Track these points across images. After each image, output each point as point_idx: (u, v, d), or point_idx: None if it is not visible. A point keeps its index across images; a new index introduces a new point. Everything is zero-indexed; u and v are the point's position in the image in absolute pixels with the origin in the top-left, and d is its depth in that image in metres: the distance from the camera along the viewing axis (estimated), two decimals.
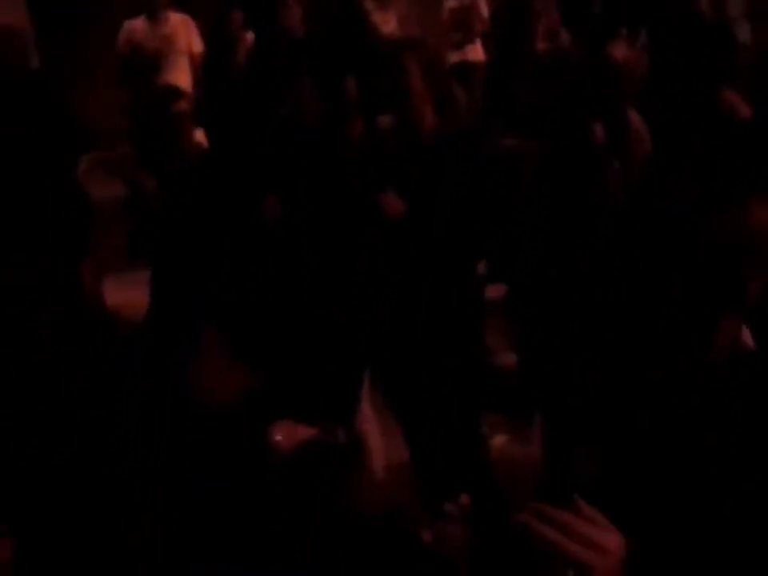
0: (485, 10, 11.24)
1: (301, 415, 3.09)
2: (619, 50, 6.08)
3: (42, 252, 3.45)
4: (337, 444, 3.02)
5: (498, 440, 3.80)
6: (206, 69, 8.07)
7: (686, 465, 2.07)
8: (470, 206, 4.87)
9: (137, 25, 8.66)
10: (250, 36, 7.68)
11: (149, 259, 5.07)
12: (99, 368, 2.73)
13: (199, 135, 7.72)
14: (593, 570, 1.67)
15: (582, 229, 4.79)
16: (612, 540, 1.75)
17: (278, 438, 2.89)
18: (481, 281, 5.16)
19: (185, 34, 8.72)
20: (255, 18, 7.65)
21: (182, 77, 8.49)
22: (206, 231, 4.83)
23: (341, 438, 3.00)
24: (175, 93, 7.36)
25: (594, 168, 5.02)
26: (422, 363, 4.69)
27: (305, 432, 2.99)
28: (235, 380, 2.75)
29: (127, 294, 5.04)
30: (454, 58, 11.24)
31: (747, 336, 2.32)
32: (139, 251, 7.66)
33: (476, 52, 11.12)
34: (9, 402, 2.45)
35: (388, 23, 10.78)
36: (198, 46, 8.73)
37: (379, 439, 3.40)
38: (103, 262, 6.03)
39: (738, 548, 1.96)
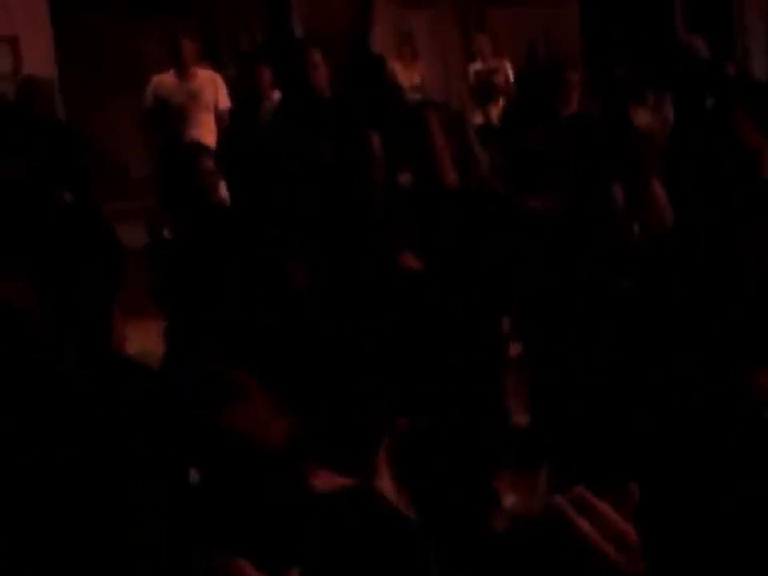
0: (510, 74, 11.46)
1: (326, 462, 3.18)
2: (641, 116, 6.17)
3: (72, 289, 3.57)
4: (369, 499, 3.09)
5: (509, 500, 3.80)
6: (231, 123, 8.21)
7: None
8: (492, 264, 4.93)
9: (165, 79, 8.77)
10: (276, 94, 7.83)
11: (166, 309, 5.19)
12: (123, 407, 2.81)
13: (222, 189, 7.87)
14: (619, 570, 1.61)
15: (602, 289, 4.87)
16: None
17: (316, 482, 2.90)
18: (504, 338, 5.23)
19: (212, 90, 8.82)
20: (282, 76, 7.81)
21: (207, 133, 8.59)
22: (232, 281, 4.95)
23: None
24: (201, 149, 7.51)
25: (613, 231, 5.09)
26: (441, 419, 4.78)
27: (338, 480, 3.07)
28: (277, 426, 2.78)
29: (146, 341, 5.16)
30: (478, 119, 11.48)
31: None
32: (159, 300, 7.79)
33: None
34: (26, 428, 2.54)
35: (413, 83, 11.01)
36: (224, 102, 8.84)
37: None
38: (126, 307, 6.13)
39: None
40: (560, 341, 4.85)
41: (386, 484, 3.20)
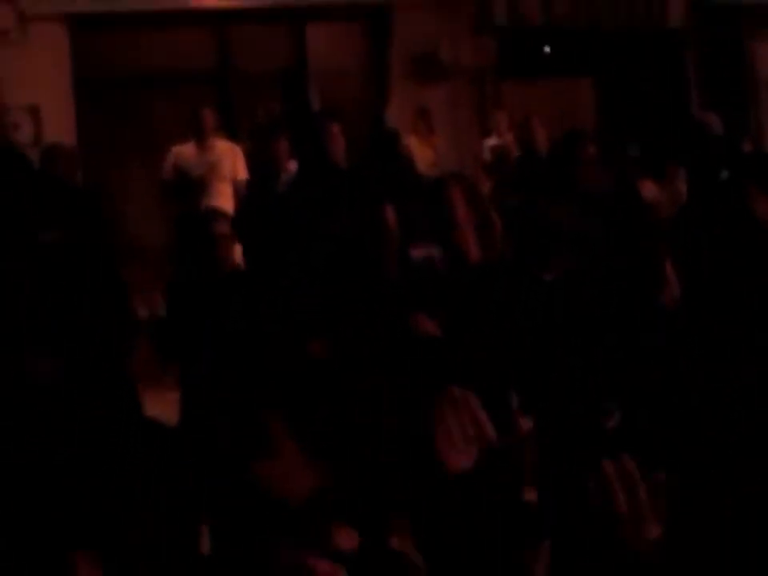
0: None
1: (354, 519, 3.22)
2: (649, 189, 6.27)
3: (86, 352, 3.67)
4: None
5: None
6: (248, 192, 8.36)
7: None
8: (509, 335, 4.98)
9: (184, 150, 8.98)
10: (293, 165, 7.97)
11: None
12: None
13: (237, 255, 8.02)
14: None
15: (614, 364, 4.91)
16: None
17: (340, 541, 2.93)
18: (513, 413, 5.17)
19: (231, 161, 9.03)
20: (300, 147, 7.95)
21: (225, 203, 8.73)
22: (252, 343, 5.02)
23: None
24: (218, 215, 7.66)
25: (627, 304, 5.16)
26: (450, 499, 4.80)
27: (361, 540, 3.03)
28: (306, 478, 2.82)
29: (164, 408, 5.21)
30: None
31: None
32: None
33: None
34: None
35: (429, 158, 11.14)
36: (242, 173, 9.03)
37: None
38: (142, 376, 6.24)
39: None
40: (571, 415, 4.91)
41: (404, 544, 3.24)
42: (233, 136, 9.92)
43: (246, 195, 8.49)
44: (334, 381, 4.34)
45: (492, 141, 11.93)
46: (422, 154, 11.18)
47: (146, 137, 11.55)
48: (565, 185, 6.89)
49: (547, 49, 14.50)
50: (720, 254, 5.44)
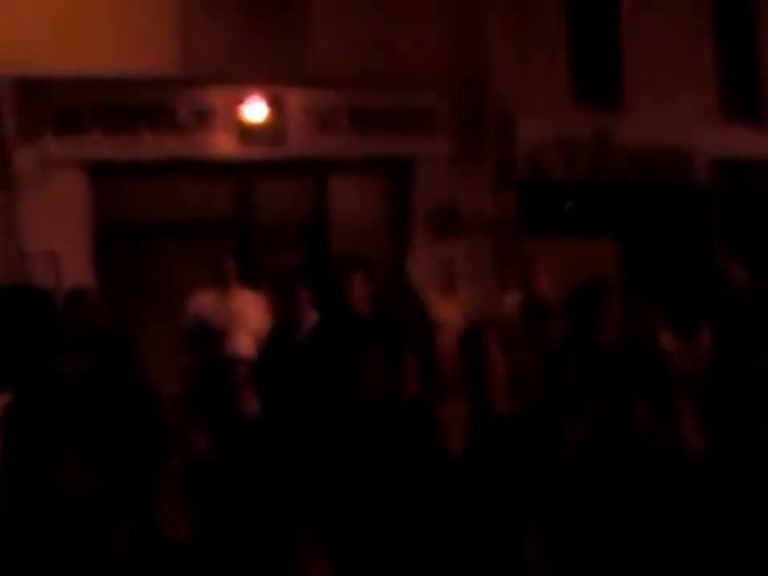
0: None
1: None
2: (666, 339, 6.36)
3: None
4: None
5: None
6: (268, 340, 8.50)
7: None
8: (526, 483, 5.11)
9: (206, 299, 9.18)
10: (314, 314, 8.11)
11: None
12: None
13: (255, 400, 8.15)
14: None
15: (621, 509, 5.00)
16: None
17: None
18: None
19: (253, 311, 9.24)
20: (321, 295, 8.10)
21: (244, 350, 8.87)
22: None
23: None
24: (237, 361, 7.83)
25: (636, 451, 5.23)
26: None
27: None
28: None
29: None
30: None
31: None
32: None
33: None
34: None
35: (451, 312, 11.23)
36: (264, 323, 9.12)
37: None
38: None
39: None
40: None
41: None
42: (252, 287, 10.05)
43: (266, 343, 8.61)
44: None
45: (513, 295, 12.15)
46: (446, 308, 11.25)
47: (164, 287, 11.72)
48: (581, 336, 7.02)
49: (570, 204, 14.76)
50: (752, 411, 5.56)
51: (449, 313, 11.20)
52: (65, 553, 3.21)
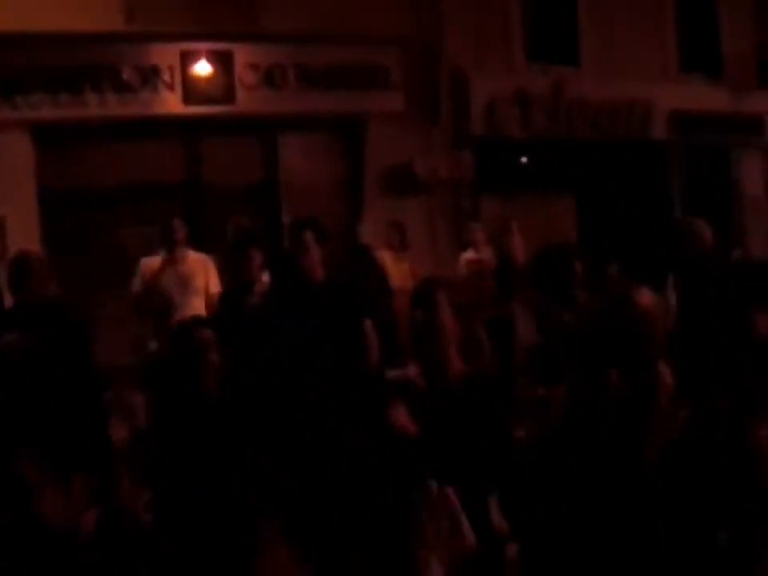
0: None
1: None
2: (644, 297, 6.44)
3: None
4: None
5: None
6: (220, 305, 8.55)
7: None
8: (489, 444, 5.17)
9: (154, 263, 9.14)
10: (265, 277, 8.16)
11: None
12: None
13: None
14: None
15: (604, 477, 5.03)
16: None
17: None
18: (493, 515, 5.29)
19: (203, 273, 9.21)
20: (273, 259, 8.14)
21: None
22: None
23: None
24: (198, 322, 7.90)
25: (616, 418, 5.28)
26: None
27: None
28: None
29: None
30: None
31: None
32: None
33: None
34: None
35: (403, 273, 11.32)
36: (215, 285, 9.17)
37: None
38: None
39: None
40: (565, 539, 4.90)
41: None
42: (203, 249, 10.08)
43: (218, 308, 8.65)
44: (318, 484, 4.50)
45: (468, 255, 12.23)
46: (396, 268, 11.28)
47: (114, 253, 11.76)
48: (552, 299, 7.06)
49: (524, 160, 14.87)
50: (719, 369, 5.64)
51: (400, 273, 11.28)
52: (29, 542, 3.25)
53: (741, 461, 3.19)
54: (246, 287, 7.94)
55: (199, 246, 9.95)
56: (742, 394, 4.88)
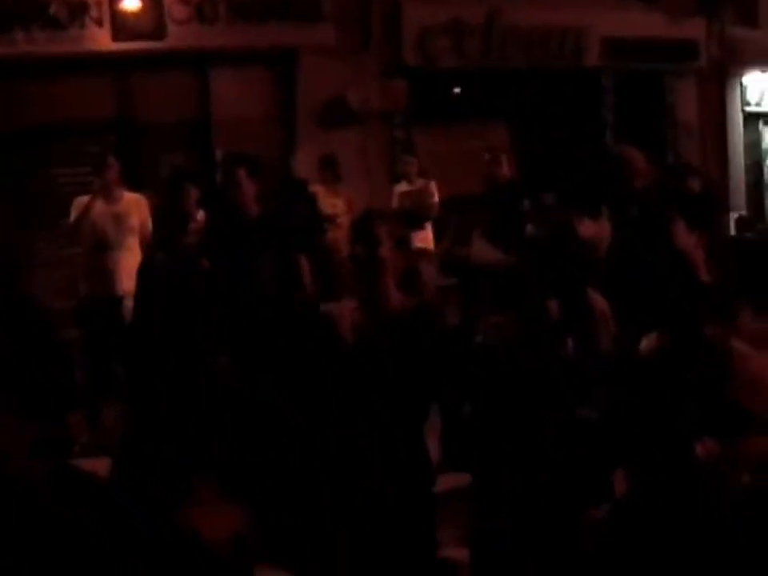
0: (435, 196, 12.15)
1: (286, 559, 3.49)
2: (587, 228, 6.62)
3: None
4: None
5: None
6: (155, 244, 8.74)
7: None
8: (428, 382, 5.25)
9: (92, 201, 9.27)
10: (201, 214, 8.37)
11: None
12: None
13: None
14: None
15: (540, 409, 5.09)
16: None
17: None
18: (432, 470, 5.40)
19: (137, 213, 9.41)
20: (207, 196, 8.35)
21: (132, 256, 9.14)
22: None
23: None
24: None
25: (551, 345, 5.42)
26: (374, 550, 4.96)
27: None
28: (226, 522, 2.97)
29: None
30: None
31: None
32: None
33: (426, 239, 11.96)
34: None
35: (337, 207, 11.55)
36: (149, 225, 9.37)
37: None
38: None
39: None
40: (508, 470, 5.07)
41: None
42: (136, 187, 10.11)
43: (152, 246, 8.85)
44: (257, 423, 4.65)
45: (402, 187, 12.51)
46: (330, 201, 11.59)
47: (48, 194, 11.80)
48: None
49: (458, 90, 15.07)
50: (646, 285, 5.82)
51: (335, 206, 11.60)
52: None
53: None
54: (182, 225, 8.13)
55: (133, 183, 10.09)
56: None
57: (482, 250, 8.98)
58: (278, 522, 4.48)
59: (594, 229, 6.54)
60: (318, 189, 11.56)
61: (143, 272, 7.85)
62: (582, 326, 5.60)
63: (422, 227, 12.06)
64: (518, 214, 9.59)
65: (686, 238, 6.04)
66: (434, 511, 5.32)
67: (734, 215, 15.94)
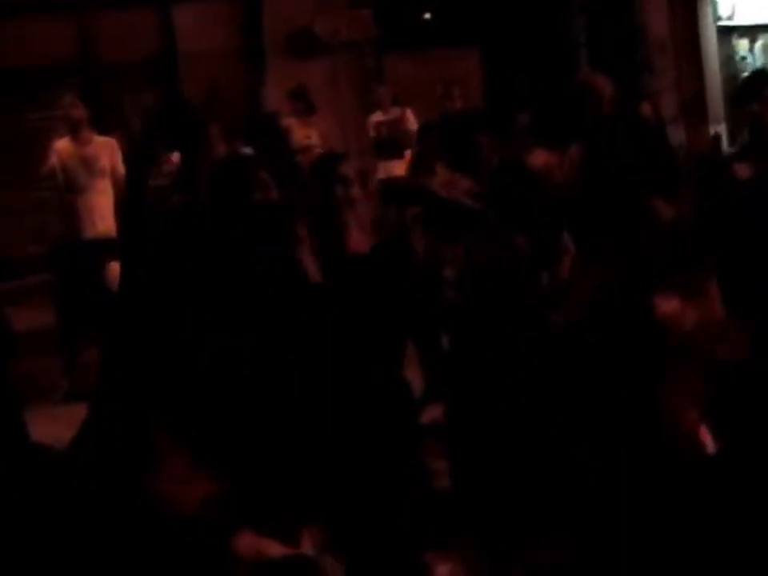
0: (413, 123, 12.06)
1: (260, 525, 3.47)
2: (539, 158, 6.65)
3: None
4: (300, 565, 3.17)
5: (442, 570, 3.87)
6: (129, 189, 8.78)
7: None
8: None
9: (62, 145, 9.27)
10: (175, 156, 8.40)
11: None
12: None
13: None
14: None
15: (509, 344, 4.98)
16: None
17: (242, 550, 3.04)
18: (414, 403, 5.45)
19: (108, 155, 9.35)
20: (177, 134, 8.36)
21: (103, 199, 9.18)
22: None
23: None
24: None
25: (520, 283, 5.54)
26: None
27: (267, 548, 3.16)
28: (198, 488, 2.94)
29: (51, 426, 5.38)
30: (380, 173, 11.97)
31: None
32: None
33: (404, 167, 11.52)
34: None
35: (310, 138, 11.55)
36: (121, 167, 9.35)
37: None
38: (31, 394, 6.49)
39: None
40: (485, 400, 4.92)
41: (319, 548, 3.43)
42: (102, 130, 10.03)
43: (127, 188, 8.90)
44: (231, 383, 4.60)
45: (377, 117, 12.42)
46: (303, 133, 11.55)
47: (10, 136, 11.73)
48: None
49: (427, 16, 15.01)
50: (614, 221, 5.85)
51: (308, 138, 11.53)
52: None
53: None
54: (157, 165, 8.16)
55: (99, 124, 10.04)
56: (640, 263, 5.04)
57: (448, 178, 8.96)
58: (260, 485, 4.41)
59: (545, 158, 6.55)
60: (290, 121, 11.53)
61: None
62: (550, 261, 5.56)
63: (399, 156, 11.94)
64: (473, 146, 9.60)
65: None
66: (420, 445, 5.31)
67: (712, 128, 15.98)
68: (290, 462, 4.35)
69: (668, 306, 2.52)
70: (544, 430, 4.47)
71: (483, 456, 4.84)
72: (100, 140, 9.52)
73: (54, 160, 9.30)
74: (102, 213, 9.09)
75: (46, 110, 11.06)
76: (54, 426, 5.11)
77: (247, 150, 8.11)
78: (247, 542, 3.10)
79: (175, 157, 8.28)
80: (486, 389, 4.90)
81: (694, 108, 16.07)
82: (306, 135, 11.59)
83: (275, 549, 3.15)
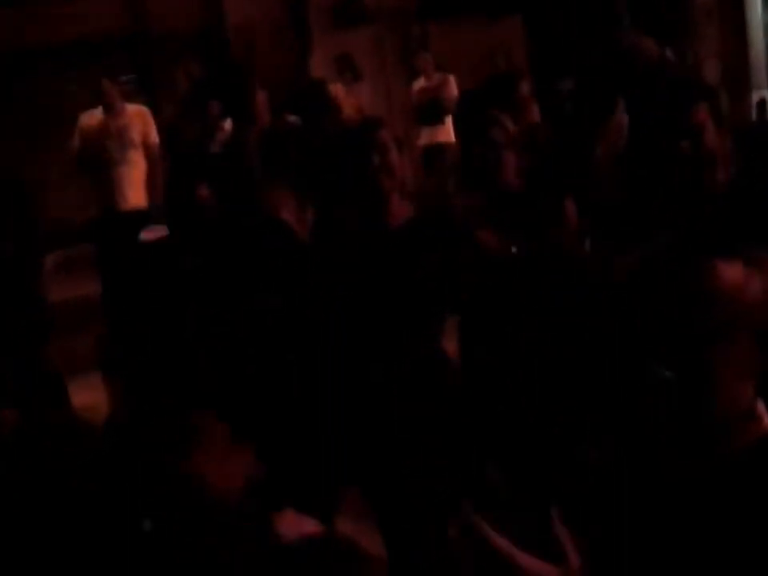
0: (455, 89, 11.99)
1: (297, 504, 3.25)
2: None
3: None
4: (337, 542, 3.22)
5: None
6: (180, 156, 9.04)
7: None
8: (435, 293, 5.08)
9: (92, 117, 9.28)
10: (227, 124, 8.63)
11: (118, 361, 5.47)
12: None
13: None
14: None
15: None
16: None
17: (283, 529, 3.04)
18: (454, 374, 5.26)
19: (141, 125, 9.34)
20: (231, 108, 8.58)
21: (135, 171, 9.27)
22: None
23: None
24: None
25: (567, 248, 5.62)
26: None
27: (308, 526, 3.20)
28: (239, 467, 2.91)
29: (93, 394, 5.57)
30: (423, 140, 12.03)
31: None
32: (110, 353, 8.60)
33: (447, 133, 11.79)
34: None
35: (355, 106, 11.45)
36: (154, 137, 9.31)
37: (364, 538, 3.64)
38: (69, 362, 6.67)
39: None
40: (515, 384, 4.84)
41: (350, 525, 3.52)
42: (152, 102, 10.13)
43: (177, 160, 8.86)
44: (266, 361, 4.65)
45: (420, 83, 12.38)
46: (349, 101, 11.43)
47: (57, 113, 11.54)
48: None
49: None
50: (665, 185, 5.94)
51: (353, 107, 11.43)
52: None
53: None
54: (208, 135, 8.40)
55: (148, 99, 10.16)
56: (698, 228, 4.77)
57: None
58: (297, 464, 4.30)
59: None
60: (337, 89, 11.43)
61: None
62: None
63: (441, 122, 12.00)
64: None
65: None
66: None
67: (756, 95, 16.06)
68: (329, 432, 4.48)
69: (732, 272, 2.50)
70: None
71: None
72: (132, 109, 9.48)
73: (76, 140, 9.30)
74: (134, 184, 9.18)
75: (94, 83, 11.30)
76: (94, 394, 5.25)
77: (294, 119, 8.27)
78: (288, 520, 3.14)
79: (228, 124, 8.51)
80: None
81: (738, 75, 16.12)
82: (352, 104, 11.53)
83: (315, 528, 3.19)
